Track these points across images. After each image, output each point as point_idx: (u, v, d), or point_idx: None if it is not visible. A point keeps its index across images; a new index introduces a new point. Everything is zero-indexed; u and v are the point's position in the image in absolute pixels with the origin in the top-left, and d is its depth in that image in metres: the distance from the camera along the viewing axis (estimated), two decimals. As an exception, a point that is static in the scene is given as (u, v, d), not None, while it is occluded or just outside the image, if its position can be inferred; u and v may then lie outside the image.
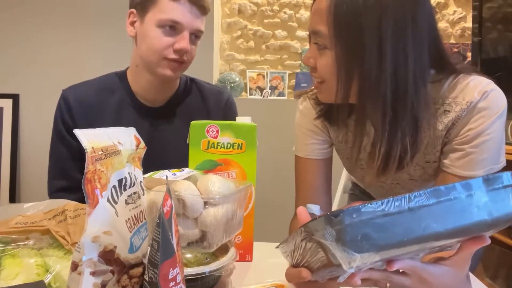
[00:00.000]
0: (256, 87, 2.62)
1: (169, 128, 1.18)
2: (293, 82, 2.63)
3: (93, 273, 0.51)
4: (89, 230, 0.50)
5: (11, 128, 2.49)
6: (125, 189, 0.57)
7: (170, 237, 0.49)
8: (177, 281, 0.51)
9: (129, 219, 0.57)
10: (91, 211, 0.50)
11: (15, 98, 2.51)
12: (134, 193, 0.59)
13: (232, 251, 0.76)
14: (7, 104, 2.51)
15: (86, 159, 0.50)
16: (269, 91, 2.59)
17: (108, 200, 0.53)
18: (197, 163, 0.88)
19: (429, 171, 0.89)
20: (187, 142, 0.89)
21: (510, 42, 1.98)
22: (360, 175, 1.01)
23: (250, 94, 2.61)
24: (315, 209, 0.74)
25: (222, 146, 0.88)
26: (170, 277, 0.49)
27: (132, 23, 1.11)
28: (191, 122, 0.89)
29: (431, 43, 0.78)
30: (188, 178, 0.74)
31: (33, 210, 0.72)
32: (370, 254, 0.43)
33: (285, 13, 2.64)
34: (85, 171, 0.50)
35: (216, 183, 0.71)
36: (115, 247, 0.53)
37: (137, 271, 0.56)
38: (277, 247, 0.57)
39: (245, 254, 0.89)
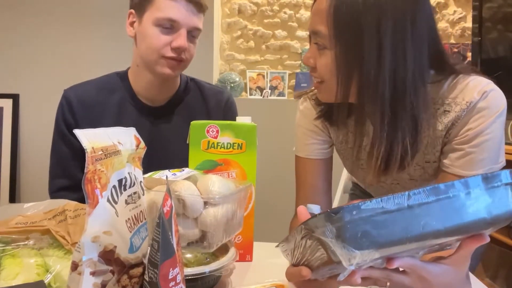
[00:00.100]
0: (256, 87, 2.62)
1: (170, 128, 1.18)
2: (293, 82, 2.63)
3: (93, 273, 0.51)
4: (89, 230, 0.50)
5: (11, 128, 2.49)
6: (125, 189, 0.57)
7: (170, 237, 0.49)
8: (177, 281, 0.51)
9: (129, 219, 0.57)
10: (91, 211, 0.50)
11: (15, 98, 2.51)
12: (134, 193, 0.59)
13: (232, 251, 0.76)
14: (7, 104, 2.51)
15: (86, 159, 0.50)
16: (269, 91, 2.59)
17: (108, 200, 0.53)
18: (197, 163, 0.88)
19: (429, 171, 0.89)
20: (187, 142, 0.89)
21: (510, 42, 1.98)
22: (360, 175, 1.01)
23: (250, 94, 2.61)
24: (316, 209, 0.74)
25: (222, 146, 0.88)
26: (170, 277, 0.49)
27: (132, 24, 1.12)
28: (191, 122, 0.89)
29: (431, 44, 0.78)
30: (188, 178, 0.74)
31: (33, 210, 0.72)
32: (370, 251, 0.43)
33: (285, 13, 2.64)
34: (85, 171, 0.50)
35: (216, 183, 0.71)
36: (115, 247, 0.53)
37: (137, 271, 0.56)
38: (277, 245, 0.57)
39: (245, 254, 0.89)
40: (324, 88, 0.83)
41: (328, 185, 1.01)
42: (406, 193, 0.44)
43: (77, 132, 0.51)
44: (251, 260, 0.89)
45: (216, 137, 0.88)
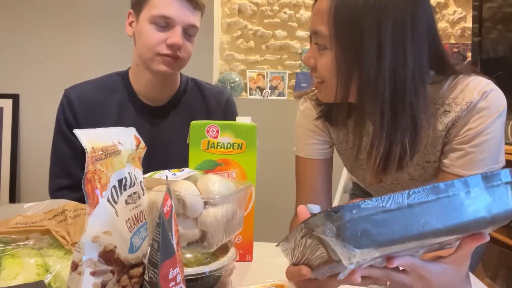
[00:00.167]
0: (256, 87, 2.62)
1: (170, 128, 1.18)
2: (293, 82, 2.63)
3: (93, 273, 0.51)
4: (89, 230, 0.50)
5: (11, 128, 2.49)
6: (125, 189, 0.57)
7: (170, 237, 0.49)
8: (177, 281, 0.51)
9: (129, 219, 0.57)
10: (91, 211, 0.50)
11: (15, 98, 2.51)
12: (134, 193, 0.59)
13: (232, 251, 0.76)
14: (7, 104, 2.51)
15: (86, 159, 0.50)
16: (269, 91, 2.59)
17: (108, 200, 0.53)
18: (197, 163, 0.88)
19: (430, 171, 0.89)
20: (187, 142, 0.89)
21: (510, 42, 1.98)
22: (360, 175, 1.01)
23: (250, 94, 2.61)
24: (316, 209, 0.74)
25: (222, 146, 0.88)
26: (170, 277, 0.49)
27: (131, 23, 1.13)
28: (191, 122, 0.89)
29: (431, 44, 0.78)
30: (188, 178, 0.74)
31: (33, 210, 0.72)
32: (370, 250, 0.43)
33: (285, 13, 2.64)
34: (85, 171, 0.50)
35: (216, 183, 0.71)
36: (115, 247, 0.53)
37: (137, 271, 0.56)
38: (277, 245, 0.57)
39: (245, 254, 0.89)
40: (324, 88, 0.83)
41: (328, 185, 1.01)
42: (406, 192, 0.44)
43: (77, 132, 0.51)
44: (251, 260, 0.89)
45: (216, 137, 0.88)
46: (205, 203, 0.69)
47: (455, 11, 2.54)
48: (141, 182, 0.62)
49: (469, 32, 2.46)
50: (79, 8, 2.48)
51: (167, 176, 0.73)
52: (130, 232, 0.56)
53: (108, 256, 0.52)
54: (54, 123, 1.16)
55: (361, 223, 0.42)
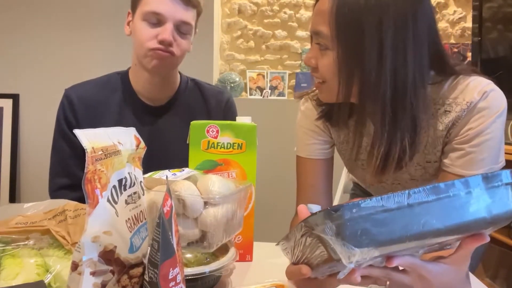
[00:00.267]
0: (256, 87, 2.62)
1: (170, 127, 1.18)
2: (293, 82, 2.63)
3: (93, 273, 0.51)
4: (89, 230, 0.50)
5: (11, 128, 2.49)
6: (125, 189, 0.57)
7: (170, 237, 0.49)
8: (177, 281, 0.51)
9: (129, 219, 0.57)
10: (91, 211, 0.50)
11: (15, 98, 2.51)
12: (134, 193, 0.59)
13: (232, 251, 0.76)
14: (7, 104, 2.51)
15: (86, 159, 0.50)
16: (269, 91, 2.59)
17: (108, 200, 0.53)
18: (197, 163, 0.88)
19: (430, 171, 0.89)
20: (187, 142, 0.89)
21: (510, 42, 1.98)
22: (361, 175, 1.01)
23: (250, 94, 2.61)
24: (316, 209, 0.74)
25: (222, 146, 0.88)
26: (170, 277, 0.49)
27: (129, 23, 1.14)
28: (191, 122, 0.89)
29: (431, 45, 0.78)
30: (188, 178, 0.74)
31: (33, 210, 0.72)
32: (369, 249, 0.43)
33: (285, 13, 2.64)
34: (85, 171, 0.50)
35: (216, 183, 0.71)
36: (115, 247, 0.53)
37: (137, 271, 0.56)
38: (277, 244, 0.57)
39: (245, 254, 0.89)
40: (325, 88, 0.83)
41: (328, 185, 1.01)
42: (406, 191, 0.44)
43: (77, 132, 0.51)
44: (251, 260, 0.89)
45: (216, 137, 0.88)
46: (205, 203, 0.69)
47: (455, 11, 2.54)
48: (141, 182, 0.62)
49: (469, 32, 2.46)
50: (79, 8, 2.48)
51: (167, 176, 0.73)
52: (130, 232, 0.56)
53: (108, 256, 0.52)
54: (54, 123, 1.16)
55: (361, 222, 0.43)
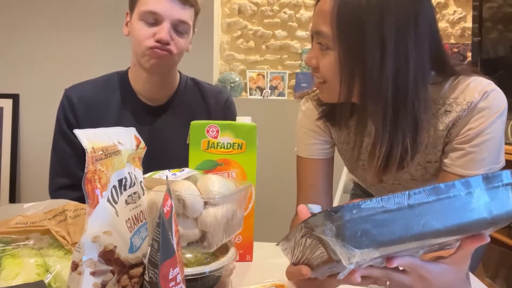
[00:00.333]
0: (256, 87, 2.62)
1: (170, 127, 1.18)
2: (293, 82, 2.63)
3: (93, 273, 0.51)
4: (89, 230, 0.50)
5: (11, 128, 2.49)
6: (125, 189, 0.57)
7: (170, 237, 0.49)
8: (177, 281, 0.51)
9: (129, 219, 0.57)
10: (91, 211, 0.50)
11: (15, 98, 2.51)
12: (134, 193, 0.59)
13: (232, 251, 0.76)
14: (7, 104, 2.50)
15: (86, 159, 0.50)
16: (269, 91, 2.59)
17: (108, 200, 0.53)
18: (197, 163, 0.88)
19: (431, 171, 0.89)
20: (187, 142, 0.89)
21: (510, 42, 1.98)
22: (361, 175, 1.01)
23: (250, 94, 2.61)
24: (316, 209, 0.74)
25: (222, 146, 0.88)
26: (170, 277, 0.49)
27: (127, 23, 1.14)
28: (191, 122, 0.89)
29: (432, 45, 0.78)
30: (188, 178, 0.74)
31: (33, 210, 0.72)
32: (369, 250, 0.43)
33: (285, 13, 2.64)
34: (85, 171, 0.50)
35: (216, 183, 0.71)
36: (115, 247, 0.53)
37: (137, 271, 0.56)
38: (278, 244, 0.57)
39: (245, 254, 0.89)
40: (326, 88, 0.83)
41: (329, 185, 1.01)
42: (407, 192, 0.44)
43: (77, 132, 0.51)
44: (251, 260, 0.89)
45: (216, 137, 0.88)
46: (205, 203, 0.69)
47: (455, 11, 2.54)
48: (141, 182, 0.62)
49: (469, 32, 2.46)
50: (79, 8, 2.48)
51: (167, 176, 0.73)
52: (130, 232, 0.56)
53: (108, 256, 0.52)
54: (54, 123, 1.16)
55: (361, 223, 0.42)
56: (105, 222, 0.52)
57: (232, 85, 2.53)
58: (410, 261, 0.50)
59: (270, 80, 2.61)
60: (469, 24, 2.47)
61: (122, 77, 1.19)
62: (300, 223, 0.48)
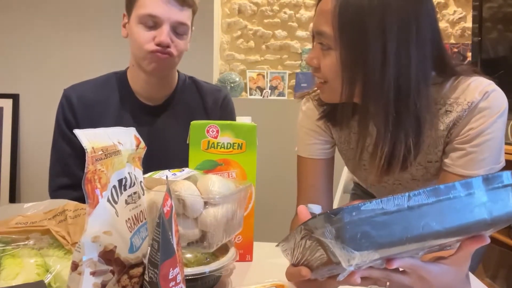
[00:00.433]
0: (256, 87, 2.62)
1: (169, 126, 1.18)
2: (293, 82, 2.63)
3: (93, 273, 0.51)
4: (89, 230, 0.50)
5: (11, 128, 2.49)
6: (125, 189, 0.57)
7: (170, 237, 0.49)
8: (177, 281, 0.51)
9: (129, 219, 0.57)
10: (91, 211, 0.50)
11: (15, 98, 2.51)
12: (134, 193, 0.59)
13: (232, 251, 0.76)
14: (7, 104, 2.50)
15: (86, 159, 0.50)
16: (269, 91, 2.59)
17: (108, 200, 0.53)
18: (197, 163, 0.88)
19: (431, 170, 0.89)
20: (187, 142, 0.89)
21: (510, 42, 1.98)
22: (362, 175, 1.01)
23: (250, 94, 2.61)
24: (316, 209, 0.74)
25: (222, 146, 0.88)
26: (170, 277, 0.49)
27: (124, 25, 1.14)
28: (191, 122, 0.89)
29: (434, 45, 0.78)
30: (188, 178, 0.74)
31: (33, 210, 0.72)
32: (369, 252, 0.43)
33: (285, 13, 2.64)
34: (85, 171, 0.50)
35: (216, 183, 0.71)
36: (115, 247, 0.53)
37: (137, 271, 0.56)
38: (277, 245, 0.57)
39: (245, 254, 0.89)
40: (327, 89, 0.83)
41: (329, 185, 1.01)
42: (406, 194, 0.43)
43: (77, 132, 0.51)
44: (251, 260, 0.89)
45: (216, 137, 0.88)
46: (205, 203, 0.69)
47: (455, 11, 2.54)
48: (141, 182, 0.62)
49: (469, 32, 2.46)
50: (80, 8, 2.48)
51: (167, 176, 0.73)
52: (130, 232, 0.56)
53: (108, 256, 0.52)
54: (54, 123, 1.16)
55: (361, 225, 0.42)
56: (105, 222, 0.52)
57: (232, 85, 2.53)
58: (410, 262, 0.50)
59: (270, 80, 2.61)
60: (469, 24, 2.47)
61: (121, 78, 1.19)
62: (300, 224, 0.48)
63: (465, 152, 0.80)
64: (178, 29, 1.08)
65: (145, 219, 0.61)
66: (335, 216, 0.43)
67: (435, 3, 2.53)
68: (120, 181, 0.56)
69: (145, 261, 0.57)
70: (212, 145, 0.88)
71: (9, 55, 2.51)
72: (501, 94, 0.80)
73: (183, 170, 0.78)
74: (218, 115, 1.22)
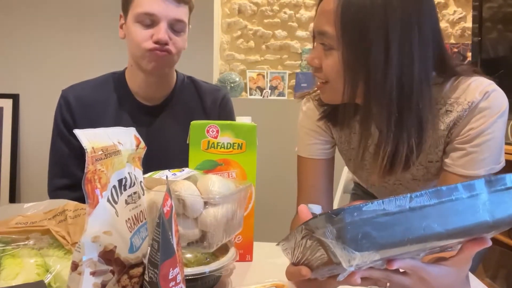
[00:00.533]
0: (256, 87, 2.62)
1: (168, 126, 1.18)
2: (293, 82, 2.63)
3: (93, 273, 0.51)
4: (89, 230, 0.50)
5: (11, 128, 2.49)
6: (125, 189, 0.57)
7: (170, 237, 0.49)
8: (177, 281, 0.51)
9: (129, 219, 0.56)
10: (91, 211, 0.50)
11: (15, 98, 2.51)
12: (134, 193, 0.59)
13: (232, 251, 0.76)
14: (7, 104, 2.50)
15: (86, 159, 0.50)
16: (269, 91, 2.59)
17: (108, 200, 0.53)
18: (197, 163, 0.88)
19: (432, 170, 0.89)
20: (187, 142, 0.89)
21: (510, 42, 1.98)
22: (364, 175, 1.01)
23: (250, 94, 2.61)
24: (316, 209, 0.74)
25: (222, 146, 0.88)
26: (170, 277, 0.49)
27: (121, 26, 1.14)
28: (191, 122, 0.89)
29: (435, 45, 0.78)
30: (188, 178, 0.74)
31: (33, 210, 0.72)
32: (370, 253, 0.43)
33: (285, 13, 2.64)
34: (85, 171, 0.50)
35: (216, 183, 0.71)
36: (115, 247, 0.53)
37: (137, 271, 0.56)
38: (278, 244, 0.57)
39: (245, 254, 0.89)
40: (328, 89, 0.83)
41: (329, 185, 1.01)
42: (408, 195, 0.43)
43: (77, 132, 0.51)
44: (251, 260, 0.89)
45: (216, 137, 0.88)
46: (205, 203, 0.69)
47: (455, 11, 2.54)
48: (141, 182, 0.62)
49: (469, 32, 2.46)
50: (79, 9, 2.48)
51: (167, 176, 0.73)
52: (130, 232, 0.56)
53: (108, 256, 0.52)
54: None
55: (362, 226, 0.42)
56: (105, 222, 0.52)
57: (232, 85, 2.53)
58: (410, 263, 0.50)
59: (270, 80, 2.61)
60: (469, 24, 2.47)
61: (119, 78, 1.19)
62: (301, 224, 0.48)
63: (466, 152, 0.80)
64: (175, 26, 1.08)
65: (145, 219, 0.61)
66: (336, 216, 0.42)
67: (435, 3, 2.53)
68: (120, 181, 0.56)
69: (145, 261, 0.57)
70: (212, 145, 0.88)
71: (9, 55, 2.51)
72: (502, 94, 0.80)
73: (183, 170, 0.78)
74: (217, 115, 1.22)
